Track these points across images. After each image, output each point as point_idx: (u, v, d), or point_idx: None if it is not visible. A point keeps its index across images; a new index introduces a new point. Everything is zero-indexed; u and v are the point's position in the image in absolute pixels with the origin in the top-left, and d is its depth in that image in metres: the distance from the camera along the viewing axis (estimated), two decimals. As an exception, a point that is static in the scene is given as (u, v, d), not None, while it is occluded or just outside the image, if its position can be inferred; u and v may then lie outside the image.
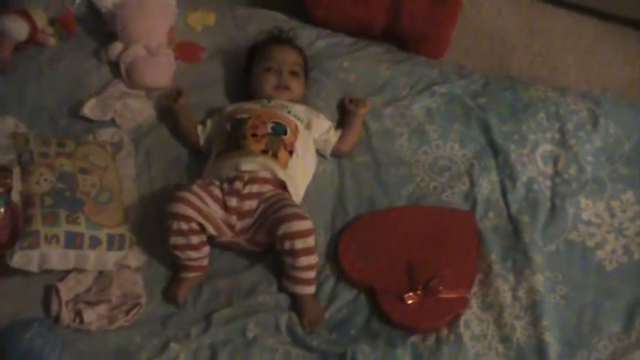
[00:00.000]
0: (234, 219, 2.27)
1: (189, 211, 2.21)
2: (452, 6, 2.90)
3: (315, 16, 2.94)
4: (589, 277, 2.31)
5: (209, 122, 2.57)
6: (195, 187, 2.27)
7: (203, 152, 2.53)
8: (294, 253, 2.19)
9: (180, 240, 2.23)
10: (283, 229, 2.18)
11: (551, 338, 2.16)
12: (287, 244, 2.18)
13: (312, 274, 2.24)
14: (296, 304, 2.25)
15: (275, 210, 2.23)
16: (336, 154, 2.55)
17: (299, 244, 2.17)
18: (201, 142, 2.54)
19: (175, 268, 2.30)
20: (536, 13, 3.21)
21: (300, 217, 2.20)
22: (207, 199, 2.26)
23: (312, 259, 2.22)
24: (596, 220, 2.41)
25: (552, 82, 2.80)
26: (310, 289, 2.25)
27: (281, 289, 2.27)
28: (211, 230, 2.25)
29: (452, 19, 2.93)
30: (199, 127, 2.55)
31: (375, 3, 2.89)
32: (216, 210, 2.26)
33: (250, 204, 2.28)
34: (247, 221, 2.28)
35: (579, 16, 3.19)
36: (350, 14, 2.92)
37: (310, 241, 2.20)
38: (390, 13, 2.91)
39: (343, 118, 2.62)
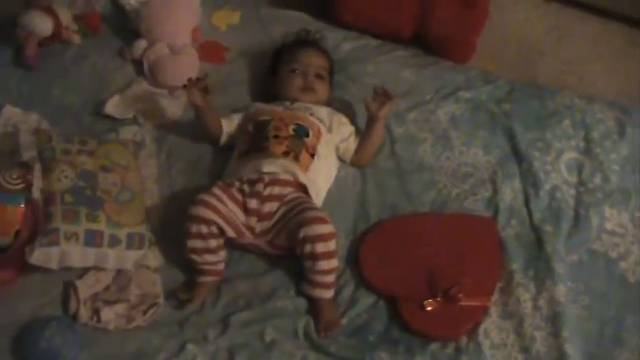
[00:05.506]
0: (253, 221, 2.26)
1: (210, 214, 2.19)
2: (479, 11, 2.87)
3: (342, 20, 2.91)
4: (612, 289, 2.29)
5: (234, 118, 2.53)
6: (216, 189, 2.26)
7: (224, 147, 2.51)
8: (314, 257, 2.17)
9: (198, 243, 2.22)
10: (304, 232, 2.16)
11: (571, 350, 2.13)
12: (308, 248, 2.17)
13: (331, 278, 2.23)
14: (313, 307, 2.24)
15: (296, 213, 2.22)
16: (355, 164, 2.52)
17: (320, 247, 2.16)
18: (224, 138, 2.51)
19: (191, 272, 2.29)
20: (564, 19, 3.15)
21: (322, 221, 2.19)
22: (228, 201, 2.25)
23: (332, 263, 2.21)
24: (620, 231, 2.38)
25: (579, 89, 2.76)
26: (328, 294, 2.24)
27: (299, 292, 2.26)
28: (231, 233, 2.24)
29: (479, 24, 2.90)
30: (224, 122, 2.51)
31: (405, 9, 2.86)
32: (236, 212, 2.25)
33: (271, 206, 2.27)
34: (267, 223, 2.27)
35: (608, 22, 3.14)
36: (378, 20, 2.89)
37: (331, 245, 2.18)
38: (418, 20, 2.88)
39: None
